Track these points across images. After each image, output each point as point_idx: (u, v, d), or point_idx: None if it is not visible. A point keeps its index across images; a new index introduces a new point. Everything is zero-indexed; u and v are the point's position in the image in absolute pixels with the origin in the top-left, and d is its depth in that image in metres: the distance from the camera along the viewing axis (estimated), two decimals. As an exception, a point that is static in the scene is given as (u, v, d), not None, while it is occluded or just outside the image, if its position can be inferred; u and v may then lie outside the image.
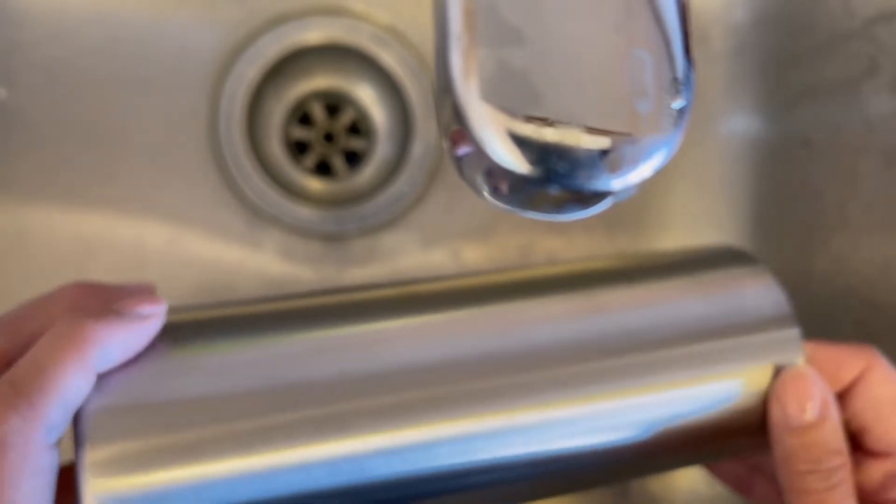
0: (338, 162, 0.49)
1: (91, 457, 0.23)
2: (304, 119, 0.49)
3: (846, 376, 0.30)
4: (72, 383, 0.22)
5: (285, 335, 0.26)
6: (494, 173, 0.23)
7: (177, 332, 0.26)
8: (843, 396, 0.30)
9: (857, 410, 0.30)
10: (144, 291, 0.27)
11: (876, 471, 0.30)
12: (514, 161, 0.22)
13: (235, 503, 0.24)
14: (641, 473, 0.32)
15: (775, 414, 0.28)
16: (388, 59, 0.48)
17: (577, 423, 0.27)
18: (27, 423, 0.22)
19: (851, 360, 0.30)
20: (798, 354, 0.30)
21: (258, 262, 0.47)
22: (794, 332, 0.30)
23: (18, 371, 0.22)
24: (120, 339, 0.24)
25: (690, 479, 0.47)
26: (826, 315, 0.45)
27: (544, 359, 0.27)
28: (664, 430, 0.28)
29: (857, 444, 0.30)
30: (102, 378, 0.24)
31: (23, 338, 0.25)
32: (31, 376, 0.22)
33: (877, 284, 0.43)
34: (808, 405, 0.28)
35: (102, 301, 0.26)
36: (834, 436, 0.28)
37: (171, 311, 0.26)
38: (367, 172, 0.49)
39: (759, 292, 0.30)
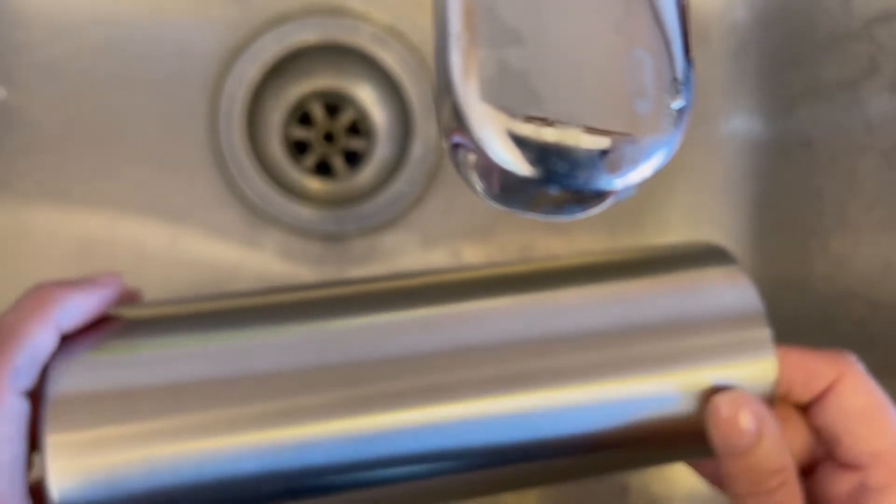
0: (338, 162, 0.49)
1: (53, 439, 0.25)
2: (304, 119, 0.49)
3: (818, 385, 0.29)
4: (37, 334, 0.25)
5: (244, 330, 0.27)
6: (494, 173, 0.23)
7: (137, 326, 0.27)
8: (814, 405, 0.30)
9: (827, 421, 0.29)
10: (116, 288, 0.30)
11: (846, 482, 0.29)
12: (514, 161, 0.22)
13: (185, 482, 0.25)
14: (599, 470, 0.31)
15: (713, 438, 0.28)
16: (388, 59, 0.48)
17: (531, 415, 0.27)
18: None
19: (824, 368, 0.29)
20: (769, 355, 0.29)
21: (258, 262, 0.47)
22: (764, 333, 0.29)
23: None
24: (78, 300, 0.26)
25: (690, 479, 0.47)
26: (826, 315, 0.45)
27: (500, 354, 0.27)
28: (626, 426, 0.28)
29: (829, 454, 0.30)
30: (70, 361, 0.26)
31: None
32: (1, 332, 0.25)
33: (877, 284, 0.43)
34: (742, 431, 0.27)
35: (77, 317, 0.28)
36: (771, 457, 0.27)
37: (141, 305, 0.29)
38: (367, 172, 0.49)
39: (731, 292, 0.30)
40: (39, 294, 0.26)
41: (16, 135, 0.45)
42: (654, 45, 0.23)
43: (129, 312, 0.28)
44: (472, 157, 0.23)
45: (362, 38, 0.47)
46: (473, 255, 0.48)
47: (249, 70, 0.47)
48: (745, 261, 0.49)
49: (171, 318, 0.28)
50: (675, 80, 0.23)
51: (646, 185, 0.23)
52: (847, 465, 0.29)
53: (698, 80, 0.24)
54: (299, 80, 0.48)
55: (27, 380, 0.25)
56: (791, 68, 0.46)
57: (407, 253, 0.48)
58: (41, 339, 0.25)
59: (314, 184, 0.48)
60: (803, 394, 0.30)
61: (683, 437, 0.29)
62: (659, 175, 0.23)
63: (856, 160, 0.43)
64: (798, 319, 0.46)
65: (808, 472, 0.31)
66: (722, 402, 0.28)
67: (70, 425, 0.25)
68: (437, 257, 0.48)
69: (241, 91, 0.47)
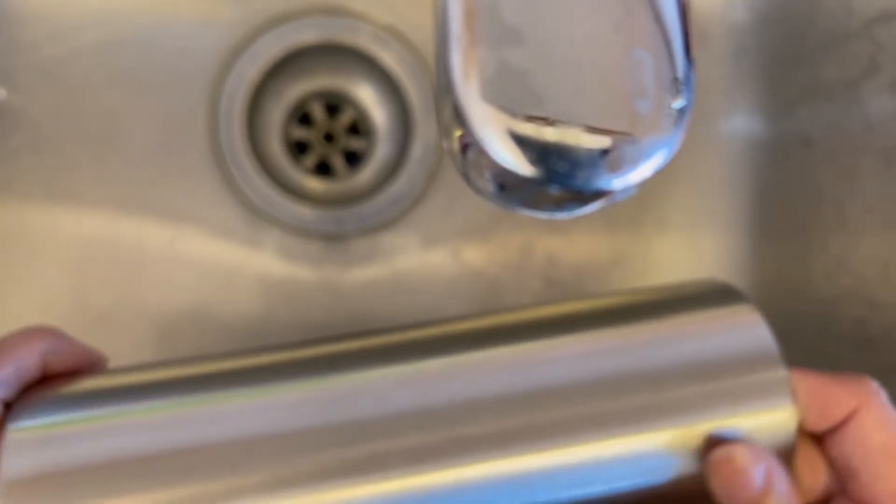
0: (338, 162, 0.49)
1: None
2: (304, 119, 0.49)
3: (836, 414, 0.28)
4: (23, 354, 0.26)
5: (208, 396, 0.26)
6: (495, 173, 0.23)
7: (105, 393, 0.26)
8: (831, 435, 0.28)
9: (844, 453, 0.28)
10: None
11: None
12: (515, 161, 0.22)
13: None
14: None
15: (716, 491, 0.26)
16: (388, 59, 0.48)
17: (533, 477, 0.26)
18: None
19: (843, 396, 0.27)
20: (786, 398, 0.27)
21: (258, 262, 0.47)
22: (781, 375, 0.28)
23: None
24: (67, 343, 0.27)
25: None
26: (826, 315, 0.45)
27: (500, 409, 0.26)
28: (648, 483, 0.26)
29: (843, 487, 0.28)
30: (28, 433, 0.25)
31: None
32: None
33: (876, 284, 0.43)
34: (747, 485, 0.25)
35: (63, 360, 0.28)
36: None
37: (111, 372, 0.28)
38: (367, 172, 0.49)
39: (745, 333, 0.28)
40: (33, 327, 0.27)
41: (16, 135, 0.45)
42: (654, 45, 0.23)
43: (99, 379, 0.27)
44: (472, 157, 0.23)
45: (362, 38, 0.47)
46: (473, 255, 0.48)
47: (249, 70, 0.47)
48: (745, 261, 0.49)
49: (145, 385, 0.26)
50: (675, 79, 0.23)
51: (646, 185, 0.23)
52: (860, 501, 0.28)
53: (698, 80, 0.24)
54: (299, 80, 0.48)
55: (6, 391, 0.26)
56: (791, 68, 0.46)
57: (407, 253, 0.48)
58: (25, 357, 0.26)
59: (314, 184, 0.48)
60: (819, 422, 0.28)
61: (690, 493, 0.27)
62: (659, 175, 0.23)
63: (856, 160, 0.43)
64: (798, 319, 0.46)
65: None
66: (727, 453, 0.26)
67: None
68: (437, 257, 0.48)
69: (241, 91, 0.47)
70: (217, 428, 0.25)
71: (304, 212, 0.47)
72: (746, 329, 0.28)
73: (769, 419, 0.27)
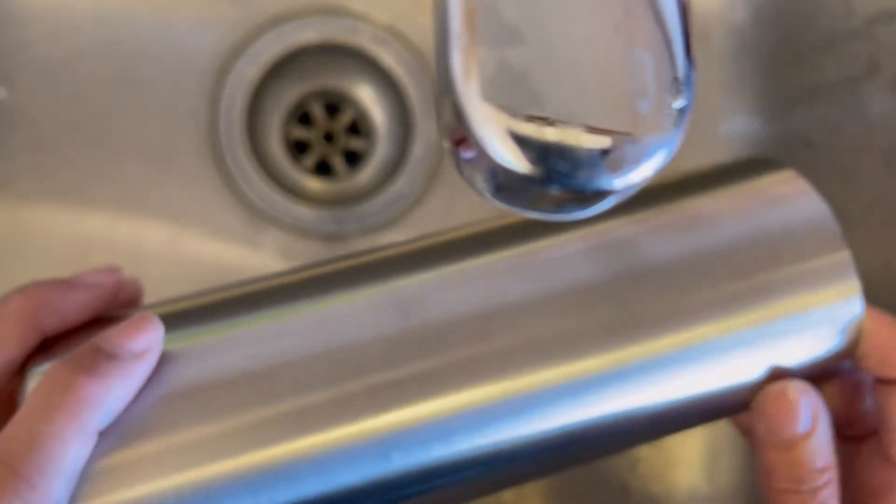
0: (338, 162, 0.49)
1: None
2: (304, 119, 0.49)
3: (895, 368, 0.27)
4: (72, 454, 0.20)
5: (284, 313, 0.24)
6: (495, 173, 0.23)
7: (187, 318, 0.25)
8: (888, 387, 0.28)
9: (890, 404, 0.27)
10: (112, 286, 0.25)
11: (881, 475, 0.28)
12: (515, 160, 0.22)
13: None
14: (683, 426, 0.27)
15: (758, 427, 0.26)
16: (388, 59, 0.48)
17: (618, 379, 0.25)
18: None
19: None
20: (854, 288, 0.26)
21: (258, 262, 0.47)
22: (845, 256, 0.26)
23: (12, 445, 0.20)
24: (119, 391, 0.21)
25: (690, 478, 0.47)
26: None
27: (572, 306, 0.25)
28: (722, 374, 0.25)
29: (877, 430, 0.28)
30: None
31: None
32: (26, 451, 0.20)
33: (877, 284, 0.43)
34: (793, 425, 0.26)
35: (60, 309, 0.24)
36: (818, 453, 0.26)
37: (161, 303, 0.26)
38: (367, 172, 0.49)
39: (796, 201, 0.27)
40: (70, 394, 0.21)
41: (15, 135, 0.45)
42: (654, 45, 0.23)
43: (169, 309, 0.25)
44: (472, 157, 0.23)
45: (362, 38, 0.47)
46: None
47: (249, 70, 0.47)
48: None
49: (220, 304, 0.25)
50: (676, 79, 0.23)
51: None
52: (887, 456, 0.28)
53: (698, 80, 0.24)
54: (299, 80, 0.48)
55: None
56: (791, 68, 0.46)
57: (407, 253, 0.48)
58: (77, 455, 0.21)
59: (314, 184, 0.48)
60: (887, 369, 0.27)
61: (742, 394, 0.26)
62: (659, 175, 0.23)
63: (856, 160, 0.43)
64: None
65: (853, 441, 0.29)
66: (774, 393, 0.26)
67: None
68: (437, 257, 0.48)
69: (241, 91, 0.47)
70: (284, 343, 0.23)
71: (304, 212, 0.47)
72: (797, 197, 0.27)
73: (838, 302, 0.26)
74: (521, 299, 0.25)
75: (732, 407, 0.27)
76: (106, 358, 0.21)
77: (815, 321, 0.26)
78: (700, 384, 0.26)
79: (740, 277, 0.26)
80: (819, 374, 0.27)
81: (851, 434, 0.30)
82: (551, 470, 0.26)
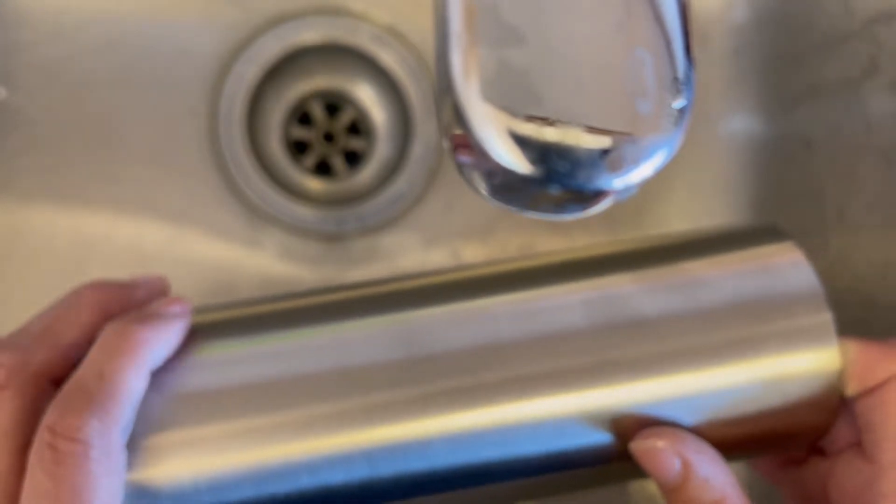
0: (338, 162, 0.49)
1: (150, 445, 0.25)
2: (304, 119, 0.49)
3: (873, 379, 0.28)
4: (133, 386, 0.25)
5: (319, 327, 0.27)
6: (495, 173, 0.23)
7: (210, 330, 0.27)
8: (869, 393, 0.28)
9: (867, 408, 0.28)
10: (163, 288, 0.31)
11: (859, 476, 0.28)
12: (515, 160, 0.22)
13: (293, 490, 0.25)
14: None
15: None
16: (388, 59, 0.48)
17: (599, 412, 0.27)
18: (105, 425, 0.24)
19: (883, 363, 0.28)
20: (830, 341, 0.28)
21: (258, 262, 0.47)
22: (826, 317, 0.28)
23: (84, 379, 0.25)
24: (164, 340, 0.26)
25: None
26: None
27: (560, 349, 0.27)
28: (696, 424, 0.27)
29: (858, 441, 0.29)
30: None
31: (63, 349, 0.27)
32: (97, 383, 0.24)
33: (877, 284, 0.43)
34: (664, 471, 0.27)
35: (125, 301, 0.29)
36: (703, 490, 0.27)
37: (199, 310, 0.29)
38: (367, 172, 0.49)
39: (787, 271, 0.28)
40: (127, 339, 0.26)
41: (15, 135, 0.45)
42: (654, 45, 0.23)
43: (201, 319, 0.28)
44: (472, 157, 0.23)
45: (362, 38, 0.47)
46: (473, 255, 0.48)
47: (249, 70, 0.47)
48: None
49: (249, 318, 0.28)
50: (675, 79, 0.23)
51: (646, 185, 0.23)
52: (867, 459, 0.28)
53: (698, 80, 0.24)
54: (299, 80, 0.48)
55: (129, 431, 0.25)
56: (791, 68, 0.46)
57: (407, 253, 0.48)
58: (137, 387, 0.25)
59: (314, 184, 0.48)
60: (863, 381, 0.28)
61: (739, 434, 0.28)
62: (659, 174, 0.23)
63: (856, 160, 0.43)
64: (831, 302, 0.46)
65: (831, 455, 0.30)
66: (641, 448, 0.28)
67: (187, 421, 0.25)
68: (437, 257, 0.48)
69: (241, 91, 0.47)
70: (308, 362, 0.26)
71: (304, 212, 0.47)
72: (791, 268, 0.28)
73: (815, 360, 0.27)
74: (513, 340, 0.27)
75: None
76: (152, 315, 0.27)
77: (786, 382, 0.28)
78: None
79: (720, 331, 0.27)
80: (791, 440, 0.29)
81: (831, 449, 0.30)
82: (527, 494, 0.28)
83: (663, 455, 0.27)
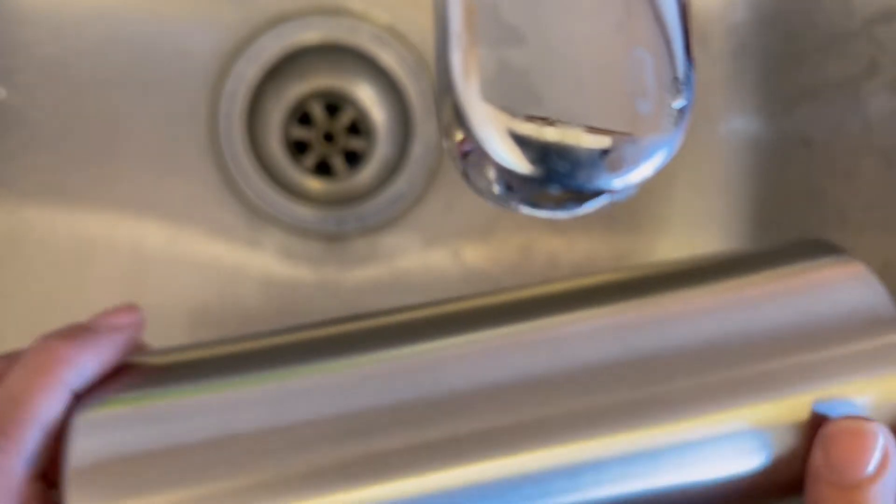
0: (338, 162, 0.49)
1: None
2: (304, 119, 0.49)
3: None
4: (43, 406, 0.22)
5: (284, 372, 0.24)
6: (495, 173, 0.23)
7: (160, 374, 0.24)
8: None
9: None
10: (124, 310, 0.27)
11: None
12: (515, 160, 0.22)
13: None
14: None
15: (816, 460, 0.24)
16: (388, 59, 0.48)
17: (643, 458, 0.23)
18: (3, 454, 0.21)
19: None
20: None
21: (258, 262, 0.47)
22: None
23: None
24: (93, 354, 0.23)
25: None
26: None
27: (592, 383, 0.23)
28: (762, 463, 0.24)
29: None
30: (88, 424, 0.23)
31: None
32: (7, 406, 0.22)
33: (877, 284, 0.43)
34: (861, 465, 0.23)
35: (85, 376, 0.25)
36: (877, 499, 0.23)
37: (165, 351, 0.26)
38: (367, 172, 0.49)
39: (854, 289, 0.24)
40: (46, 354, 0.23)
41: (15, 135, 0.45)
42: (654, 45, 0.23)
43: (150, 359, 0.25)
44: (472, 157, 0.23)
45: (362, 38, 0.47)
46: (474, 255, 0.48)
47: (249, 70, 0.47)
48: (745, 261, 0.49)
49: (199, 362, 0.24)
50: (675, 79, 0.23)
51: (646, 185, 0.23)
52: None
53: (698, 80, 0.24)
54: (299, 80, 0.48)
55: (40, 459, 0.22)
56: (791, 68, 0.46)
57: (407, 253, 0.48)
58: (51, 409, 0.22)
59: (314, 184, 0.48)
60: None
61: (789, 474, 0.24)
62: (659, 174, 0.23)
63: (856, 160, 0.43)
64: None
65: None
66: (845, 428, 0.24)
67: (96, 498, 0.21)
68: (437, 257, 0.48)
69: (241, 91, 0.47)
70: (267, 411, 0.23)
71: (304, 212, 0.47)
72: (857, 284, 0.25)
73: (888, 388, 0.24)
74: (530, 377, 0.24)
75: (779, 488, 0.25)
76: (81, 328, 0.24)
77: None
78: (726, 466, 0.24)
79: (771, 360, 0.24)
80: None
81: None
82: None
83: (874, 447, 0.23)
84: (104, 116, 0.46)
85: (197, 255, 0.46)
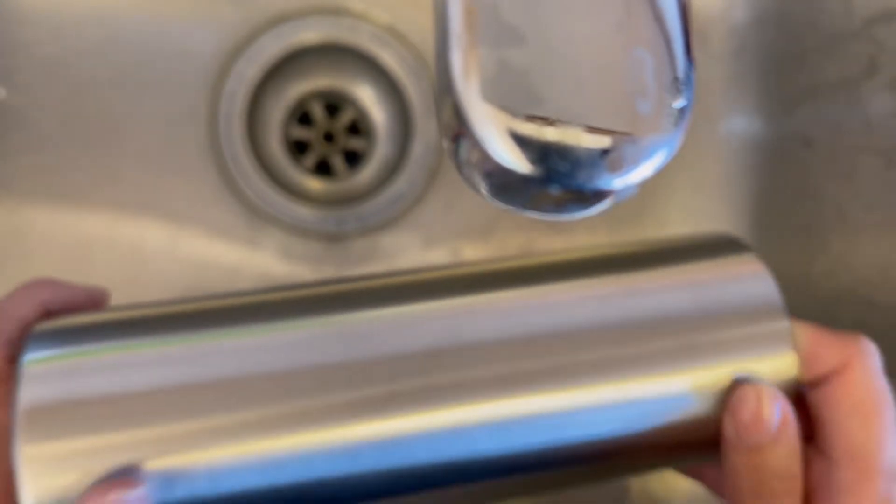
0: (338, 162, 0.49)
1: (28, 451, 0.23)
2: (304, 119, 0.49)
3: (820, 368, 0.28)
4: (24, 310, 0.27)
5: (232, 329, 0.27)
6: (495, 173, 0.23)
7: (118, 326, 0.27)
8: (815, 384, 0.28)
9: (817, 402, 0.28)
10: (103, 299, 0.31)
11: (815, 470, 0.28)
12: (515, 160, 0.22)
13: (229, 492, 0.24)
14: (604, 476, 0.30)
15: (727, 429, 0.27)
16: (388, 59, 0.48)
17: (544, 418, 0.27)
18: None
19: (832, 352, 0.28)
20: (787, 349, 0.28)
21: (258, 262, 0.47)
22: (784, 325, 0.28)
23: None
24: (66, 289, 0.29)
25: (690, 481, 0.47)
26: (826, 315, 0.45)
27: (509, 351, 0.27)
28: (642, 428, 0.27)
29: (812, 435, 0.29)
30: (45, 362, 0.25)
31: None
32: None
33: (876, 284, 0.43)
34: (764, 425, 0.26)
35: (67, 302, 0.29)
36: (784, 460, 0.26)
37: (128, 306, 0.28)
38: (367, 172, 0.49)
39: (748, 282, 0.29)
40: (30, 281, 0.29)
41: (15, 135, 0.45)
42: (655, 45, 0.23)
43: (112, 313, 0.27)
44: (473, 156, 0.23)
45: (362, 38, 0.47)
46: (474, 255, 0.48)
47: (249, 70, 0.47)
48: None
49: (158, 318, 0.27)
50: (676, 79, 0.23)
51: (646, 185, 0.23)
52: (821, 453, 0.28)
53: (698, 79, 0.24)
54: (299, 80, 0.48)
55: (14, 346, 0.27)
56: (791, 68, 0.46)
57: (407, 253, 0.48)
58: (25, 311, 0.27)
59: (314, 184, 0.48)
60: (808, 371, 0.28)
61: (696, 438, 0.28)
62: (659, 174, 0.23)
63: (856, 160, 0.43)
64: (797, 319, 0.46)
65: None
66: (748, 393, 0.27)
67: (46, 436, 0.23)
68: (437, 257, 0.48)
69: (241, 91, 0.47)
70: (223, 363, 0.25)
71: (304, 212, 0.47)
72: (751, 278, 0.29)
73: (772, 366, 0.28)
74: (461, 343, 0.27)
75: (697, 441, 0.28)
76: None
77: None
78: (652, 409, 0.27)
79: (675, 338, 0.28)
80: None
81: None
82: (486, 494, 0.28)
83: (770, 410, 0.26)
84: (104, 116, 0.46)
85: (197, 254, 0.46)
